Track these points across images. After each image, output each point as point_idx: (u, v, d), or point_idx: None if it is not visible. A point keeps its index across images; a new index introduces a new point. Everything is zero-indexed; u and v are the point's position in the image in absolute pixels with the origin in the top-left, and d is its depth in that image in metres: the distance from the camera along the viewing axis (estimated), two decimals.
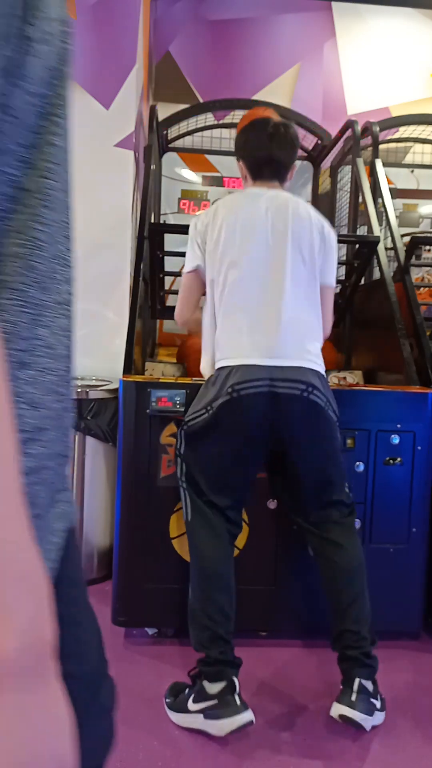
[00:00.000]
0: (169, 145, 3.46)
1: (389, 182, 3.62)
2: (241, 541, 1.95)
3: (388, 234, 2.71)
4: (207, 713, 1.53)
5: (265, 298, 1.65)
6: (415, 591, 2.06)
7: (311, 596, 1.98)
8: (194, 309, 1.87)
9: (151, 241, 2.33)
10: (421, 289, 3.02)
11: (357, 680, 1.57)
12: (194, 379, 2.00)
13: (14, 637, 0.33)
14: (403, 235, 2.73)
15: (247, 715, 1.51)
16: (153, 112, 2.99)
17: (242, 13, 3.87)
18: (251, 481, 1.78)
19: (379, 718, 1.62)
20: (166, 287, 2.80)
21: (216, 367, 1.68)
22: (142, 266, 2.44)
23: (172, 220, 3.69)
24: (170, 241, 2.39)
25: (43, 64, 0.43)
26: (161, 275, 2.55)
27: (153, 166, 2.94)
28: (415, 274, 3.07)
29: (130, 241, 2.95)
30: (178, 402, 1.91)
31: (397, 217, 3.05)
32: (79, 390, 2.38)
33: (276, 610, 2.03)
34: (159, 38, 3.79)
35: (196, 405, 1.72)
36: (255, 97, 3.72)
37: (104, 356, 2.83)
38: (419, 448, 2.03)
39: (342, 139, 3.19)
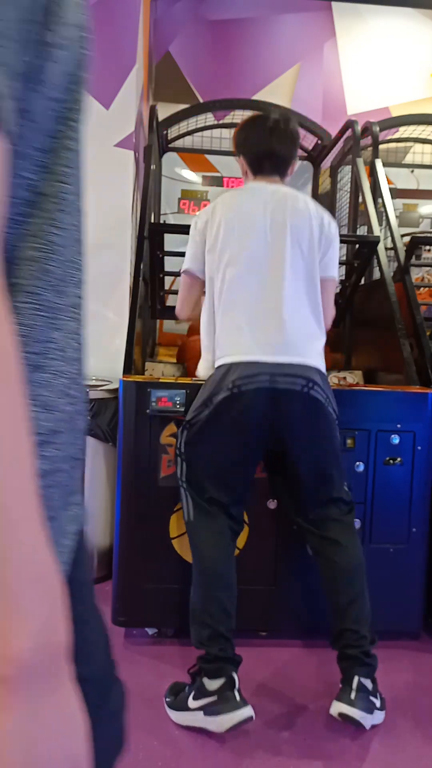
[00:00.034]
0: (169, 145, 3.46)
1: (389, 182, 3.62)
2: (241, 541, 1.95)
3: (388, 234, 2.70)
4: (207, 710, 1.53)
5: (264, 294, 1.65)
6: (415, 591, 2.06)
7: (311, 596, 1.98)
8: (194, 306, 1.87)
9: (151, 241, 2.33)
10: (421, 289, 3.02)
11: (356, 678, 1.57)
12: (194, 379, 2.00)
13: (29, 639, 0.33)
14: (403, 235, 2.73)
15: (247, 711, 1.51)
16: (153, 112, 2.99)
17: (242, 13, 3.87)
18: (251, 479, 1.78)
19: (378, 717, 1.62)
20: (166, 287, 2.80)
21: (216, 365, 1.68)
22: (142, 266, 2.44)
23: (172, 220, 3.69)
24: (170, 241, 2.39)
25: (62, 70, 0.43)
26: (161, 275, 2.55)
27: (153, 166, 2.94)
28: (415, 274, 3.07)
29: (130, 241, 2.95)
30: (178, 402, 1.91)
31: (397, 217, 3.05)
32: None
33: (276, 610, 2.03)
34: (159, 38, 3.79)
35: (197, 403, 1.72)
36: (255, 97, 3.72)
37: (104, 356, 2.83)
38: (419, 448, 2.03)
39: (342, 139, 3.19)
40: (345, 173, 3.34)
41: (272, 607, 2.03)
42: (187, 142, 3.48)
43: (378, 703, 1.61)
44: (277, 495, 1.95)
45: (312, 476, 1.70)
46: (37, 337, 0.44)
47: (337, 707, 1.56)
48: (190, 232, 1.80)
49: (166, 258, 2.43)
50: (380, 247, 2.48)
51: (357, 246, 2.60)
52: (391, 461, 2.02)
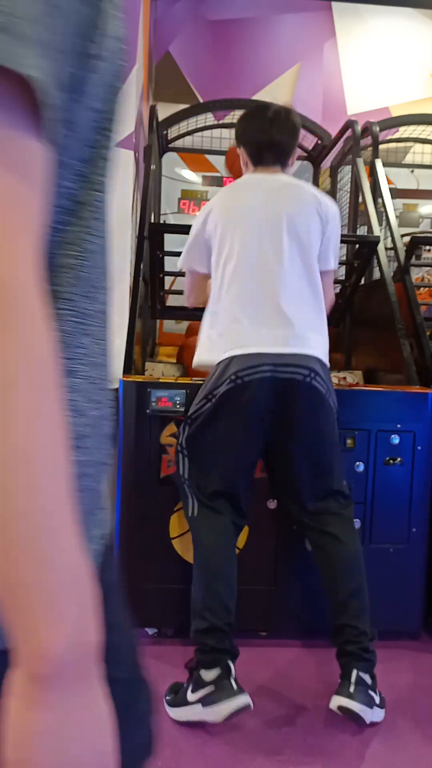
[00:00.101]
0: (169, 145, 3.46)
1: (389, 182, 3.62)
2: (241, 541, 1.95)
3: (388, 234, 2.71)
4: (205, 701, 1.53)
5: (264, 286, 1.66)
6: (415, 591, 2.06)
7: (311, 596, 1.98)
8: (200, 293, 1.89)
9: (151, 241, 2.33)
10: (421, 289, 3.02)
11: (355, 672, 1.57)
12: (194, 379, 2.00)
13: (64, 639, 0.34)
14: (403, 235, 2.73)
15: (244, 699, 1.50)
16: (153, 112, 2.99)
17: (242, 13, 3.87)
18: (254, 470, 1.79)
19: (378, 714, 1.62)
20: (166, 287, 2.80)
21: (217, 361, 1.69)
22: (142, 266, 2.44)
23: (172, 220, 3.69)
24: (170, 241, 2.39)
25: (102, 81, 0.44)
26: (161, 275, 2.55)
27: (153, 166, 2.94)
28: (415, 274, 3.07)
29: (130, 241, 2.95)
30: (178, 402, 1.91)
31: (397, 217, 3.05)
32: None
33: (276, 610, 2.03)
34: (159, 38, 3.79)
35: (198, 398, 1.73)
36: (255, 97, 3.72)
37: None
38: (419, 448, 2.03)
39: (342, 139, 3.19)
40: (345, 173, 3.34)
41: (272, 607, 2.03)
42: (187, 142, 3.48)
43: (377, 699, 1.60)
44: (277, 492, 1.94)
45: (311, 464, 1.70)
46: (70, 342, 0.45)
47: (337, 701, 1.55)
48: (192, 225, 1.81)
49: (166, 258, 2.44)
50: (380, 247, 2.48)
51: (357, 246, 2.60)
52: (391, 461, 2.02)
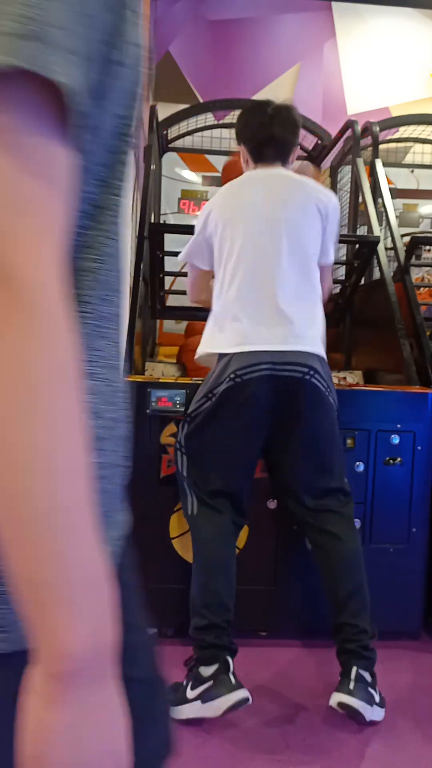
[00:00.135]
0: (169, 145, 3.45)
1: (389, 182, 3.61)
2: (241, 541, 1.95)
3: (388, 234, 2.71)
4: (204, 697, 1.53)
5: (263, 286, 1.66)
6: (415, 591, 2.06)
7: (311, 596, 1.98)
8: (202, 290, 1.89)
9: (151, 241, 2.34)
10: (421, 289, 3.02)
11: (354, 669, 1.57)
12: (194, 379, 2.00)
13: (83, 639, 0.35)
14: (403, 235, 2.73)
15: (242, 693, 1.50)
16: (153, 112, 2.99)
17: (242, 13, 3.87)
18: (254, 468, 1.79)
19: (378, 713, 1.62)
20: (166, 287, 2.80)
21: (217, 359, 1.69)
22: (142, 266, 2.44)
23: (172, 220, 3.69)
24: (170, 241, 2.39)
25: (123, 87, 0.45)
26: (161, 275, 2.56)
27: (153, 166, 2.94)
28: (415, 274, 3.07)
29: (130, 241, 2.95)
30: (178, 402, 1.92)
31: (397, 217, 3.05)
32: None
33: (276, 610, 2.03)
34: (159, 38, 3.79)
35: (198, 396, 1.74)
36: (255, 97, 3.71)
37: None
38: (419, 448, 2.03)
39: (342, 139, 3.19)
40: (345, 173, 3.34)
41: (272, 607, 2.03)
42: (187, 142, 3.47)
43: (377, 698, 1.60)
44: (277, 490, 1.94)
45: (312, 464, 1.70)
46: (89, 345, 0.46)
47: (336, 698, 1.55)
48: (195, 224, 1.81)
49: (166, 258, 2.44)
50: (380, 247, 2.48)
51: (357, 246, 2.60)
52: (391, 461, 2.02)
